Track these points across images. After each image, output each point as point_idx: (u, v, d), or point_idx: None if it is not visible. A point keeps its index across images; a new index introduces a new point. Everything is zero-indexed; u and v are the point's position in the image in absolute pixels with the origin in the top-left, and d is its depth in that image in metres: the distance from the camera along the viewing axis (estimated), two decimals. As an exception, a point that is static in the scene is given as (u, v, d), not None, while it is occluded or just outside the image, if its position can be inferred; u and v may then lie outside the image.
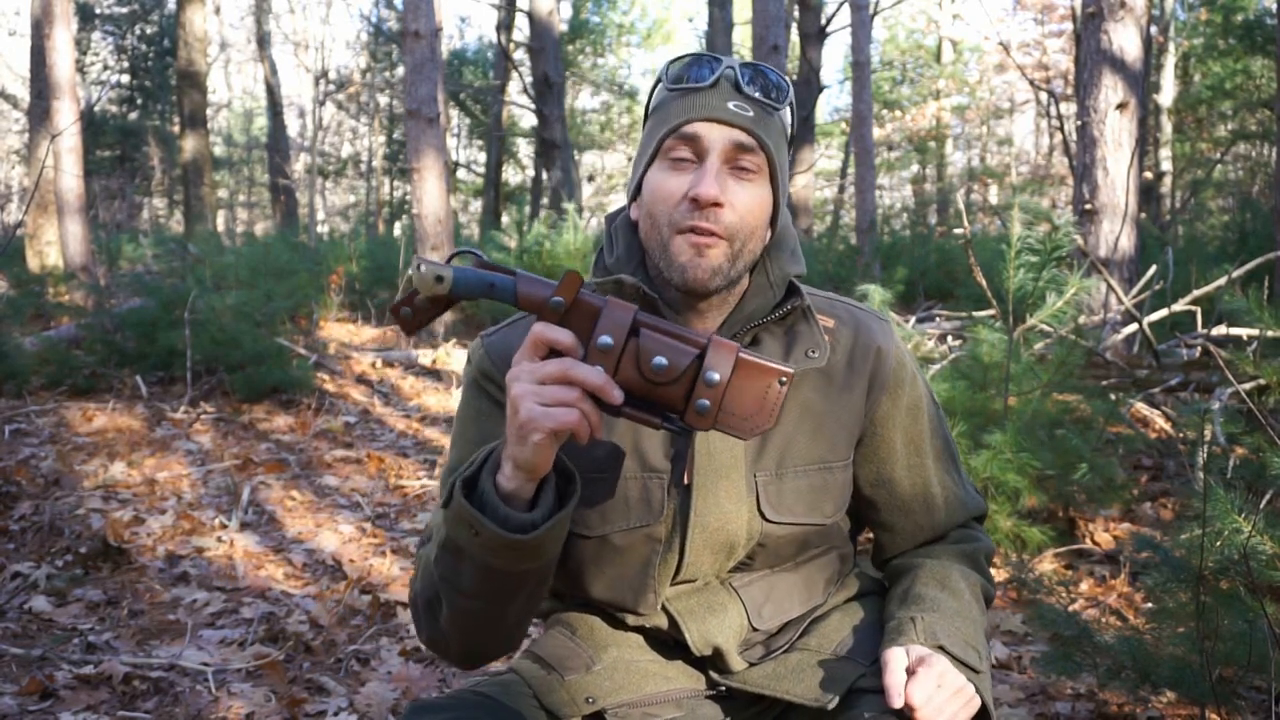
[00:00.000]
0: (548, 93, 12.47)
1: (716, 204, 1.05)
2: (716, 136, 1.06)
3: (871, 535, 1.33)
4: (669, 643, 1.19)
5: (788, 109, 1.13)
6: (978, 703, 1.04)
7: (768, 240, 1.14)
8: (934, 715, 1.00)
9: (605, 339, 0.91)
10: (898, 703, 1.00)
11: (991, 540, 1.30)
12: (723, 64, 1.09)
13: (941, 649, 1.06)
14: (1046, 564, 3.02)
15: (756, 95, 1.09)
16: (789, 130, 1.15)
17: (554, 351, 0.92)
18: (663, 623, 1.17)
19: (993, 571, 2.93)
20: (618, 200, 25.52)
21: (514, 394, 0.91)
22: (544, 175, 14.29)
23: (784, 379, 0.93)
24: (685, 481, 1.13)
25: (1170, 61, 13.74)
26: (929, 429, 1.24)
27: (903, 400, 1.21)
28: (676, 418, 0.94)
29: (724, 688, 1.17)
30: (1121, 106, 5.36)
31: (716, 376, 0.91)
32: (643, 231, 1.12)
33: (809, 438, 1.16)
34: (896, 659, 1.03)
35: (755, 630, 1.18)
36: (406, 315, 0.97)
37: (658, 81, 1.14)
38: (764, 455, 1.14)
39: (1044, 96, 16.93)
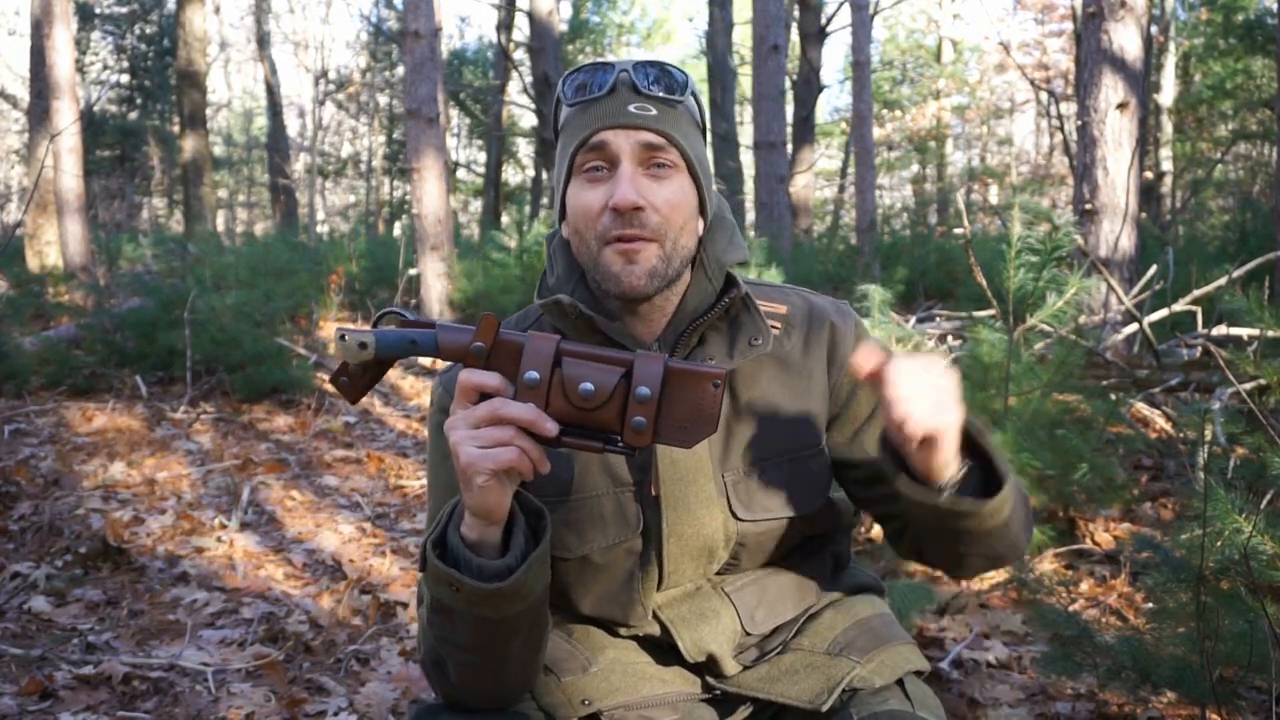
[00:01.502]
0: (548, 93, 12.47)
1: (637, 208, 1.06)
2: (623, 142, 1.07)
3: (880, 530, 1.30)
4: (663, 647, 1.19)
5: (691, 98, 1.13)
6: (952, 418, 0.95)
7: (701, 231, 1.14)
8: (903, 382, 0.94)
9: (531, 374, 0.92)
10: (866, 361, 0.96)
11: None
12: (616, 69, 1.10)
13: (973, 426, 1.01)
14: (1046, 564, 3.02)
15: (656, 92, 1.09)
16: (698, 118, 1.14)
17: (485, 395, 0.93)
18: (655, 630, 1.17)
19: (992, 571, 2.94)
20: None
21: (452, 441, 0.93)
22: (544, 175, 14.30)
23: (717, 381, 0.92)
24: (653, 493, 1.12)
25: (1170, 61, 13.74)
26: None
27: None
28: (617, 438, 0.94)
29: (719, 691, 1.17)
30: (1122, 106, 5.36)
31: (647, 391, 0.91)
32: (574, 249, 1.13)
33: (775, 430, 1.15)
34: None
35: (748, 634, 1.18)
36: (345, 385, 0.99)
37: (559, 101, 1.14)
38: (730, 454, 1.14)
39: (1044, 96, 16.93)
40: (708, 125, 1.19)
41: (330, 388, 5.65)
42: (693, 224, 1.11)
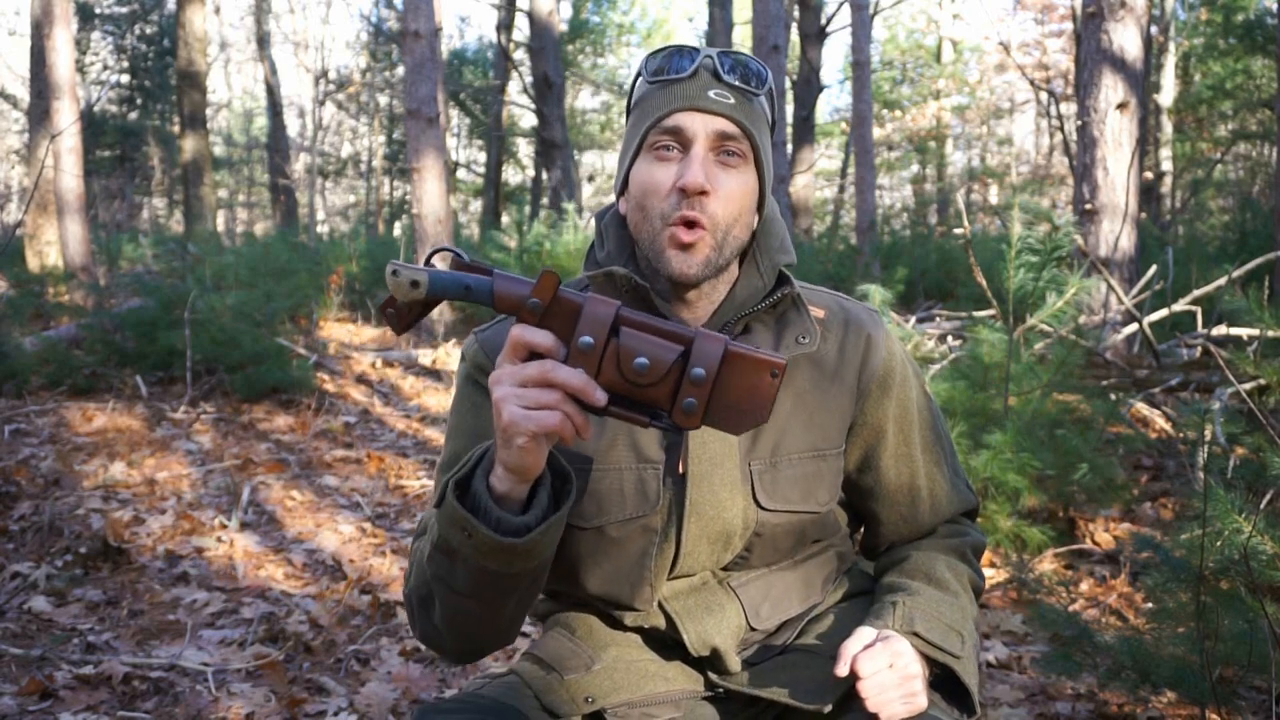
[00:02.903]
0: (548, 93, 12.47)
1: (703, 192, 1.06)
2: (700, 126, 1.07)
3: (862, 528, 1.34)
4: (668, 643, 1.19)
5: (766, 96, 1.13)
6: (923, 702, 1.05)
7: (754, 226, 1.15)
8: (876, 690, 1.02)
9: (586, 339, 0.88)
10: (843, 669, 1.03)
11: (983, 534, 1.30)
12: (701, 54, 1.10)
13: (916, 635, 1.09)
14: (1046, 564, 3.02)
15: (736, 83, 1.09)
16: (770, 116, 1.15)
17: (535, 354, 0.90)
18: (660, 623, 1.17)
19: (993, 571, 2.95)
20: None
21: (496, 397, 0.90)
22: (544, 175, 14.29)
23: (776, 370, 0.89)
24: (680, 471, 1.13)
25: (1170, 61, 13.74)
26: (918, 419, 1.24)
27: (893, 388, 1.21)
28: (664, 414, 0.91)
29: (722, 689, 1.17)
30: (1122, 106, 5.36)
31: (702, 373, 0.88)
32: (632, 224, 1.13)
33: (803, 426, 1.16)
34: (863, 632, 1.07)
35: (753, 630, 1.18)
36: (392, 316, 0.95)
37: (638, 75, 1.14)
38: (758, 444, 1.15)
39: (1044, 96, 16.93)
40: (776, 123, 1.22)
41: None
42: (748, 217, 1.12)
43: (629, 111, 1.17)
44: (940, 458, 1.27)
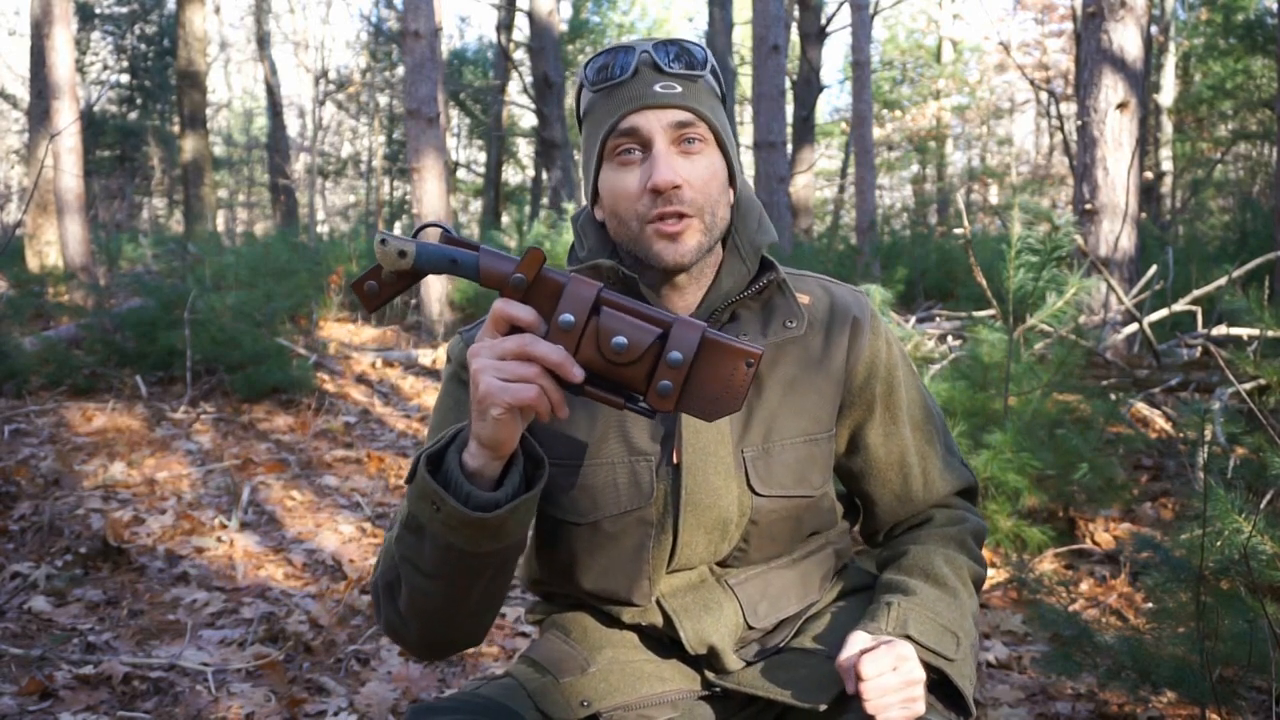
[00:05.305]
0: (548, 93, 12.47)
1: (675, 186, 1.07)
2: (654, 123, 1.08)
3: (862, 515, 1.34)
4: (664, 641, 1.19)
5: (710, 72, 1.14)
6: (921, 709, 1.05)
7: (732, 201, 1.16)
8: (878, 693, 1.02)
9: (567, 317, 0.90)
10: (849, 684, 1.03)
11: (982, 518, 1.30)
12: (636, 51, 1.11)
13: (909, 638, 1.08)
14: (1046, 564, 3.02)
15: (678, 70, 1.11)
16: (718, 90, 1.16)
17: (516, 329, 0.92)
18: (658, 620, 1.17)
19: (993, 571, 2.95)
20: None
21: (474, 369, 0.92)
22: (544, 175, 14.30)
23: (751, 360, 0.91)
24: (674, 461, 1.13)
25: (1170, 61, 13.73)
26: (905, 398, 1.25)
27: (879, 369, 1.22)
28: (639, 398, 0.93)
29: (719, 688, 1.17)
30: (1122, 106, 5.36)
31: (679, 357, 0.90)
32: (611, 230, 1.14)
33: (793, 412, 1.17)
34: (858, 638, 1.07)
35: (751, 629, 1.18)
36: (371, 290, 0.96)
37: (581, 86, 1.15)
38: (750, 431, 1.15)
39: (1044, 96, 16.93)
40: (727, 96, 1.24)
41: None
42: (725, 196, 1.14)
43: (580, 122, 1.17)
44: (931, 435, 1.27)
